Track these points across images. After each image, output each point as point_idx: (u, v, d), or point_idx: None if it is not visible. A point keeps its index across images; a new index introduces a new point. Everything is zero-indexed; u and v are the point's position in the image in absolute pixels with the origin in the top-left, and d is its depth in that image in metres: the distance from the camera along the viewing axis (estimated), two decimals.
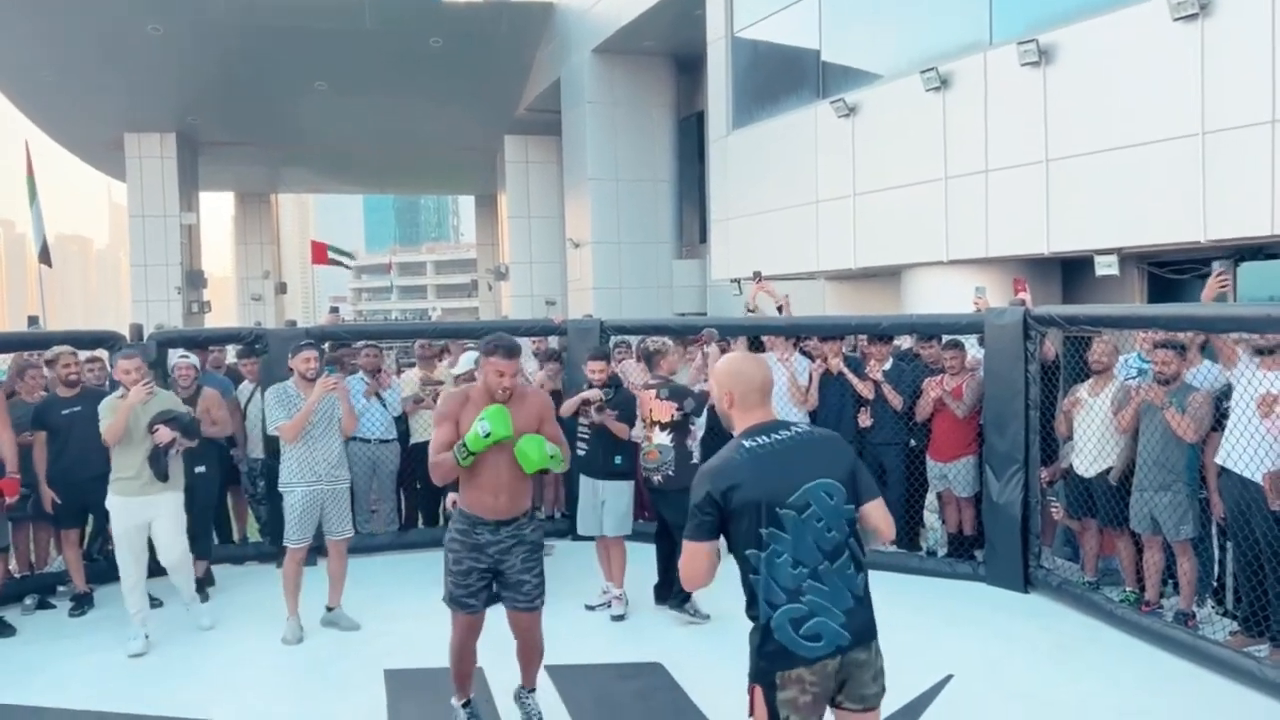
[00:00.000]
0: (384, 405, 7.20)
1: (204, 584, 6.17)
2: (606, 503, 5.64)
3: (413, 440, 7.31)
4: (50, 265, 12.24)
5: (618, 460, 5.67)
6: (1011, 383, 5.97)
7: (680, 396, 5.59)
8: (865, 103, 11.49)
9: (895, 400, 6.63)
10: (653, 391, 5.63)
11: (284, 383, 5.49)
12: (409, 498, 7.65)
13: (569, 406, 5.70)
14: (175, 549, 5.33)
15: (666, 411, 5.53)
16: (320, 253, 21.86)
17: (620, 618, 5.57)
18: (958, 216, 10.18)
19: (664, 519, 5.67)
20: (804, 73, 13.01)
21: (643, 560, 5.87)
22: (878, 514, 2.69)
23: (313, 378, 5.34)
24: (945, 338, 6.61)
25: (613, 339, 7.80)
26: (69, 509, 5.85)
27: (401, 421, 7.35)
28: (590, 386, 5.73)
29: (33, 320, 7.72)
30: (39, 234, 11.95)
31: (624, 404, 5.69)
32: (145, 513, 5.21)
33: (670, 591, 5.57)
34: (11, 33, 19.26)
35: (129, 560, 5.22)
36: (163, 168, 25.00)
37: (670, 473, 5.50)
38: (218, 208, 69.63)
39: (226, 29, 19.44)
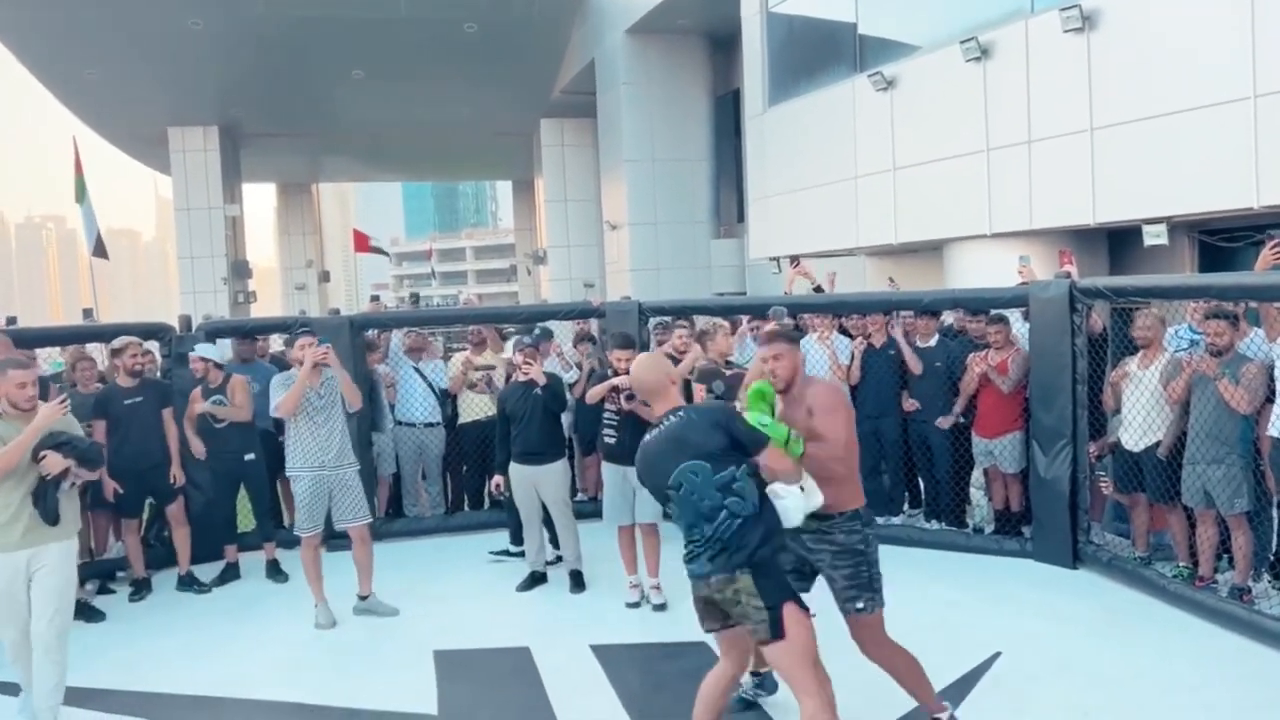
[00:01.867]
0: (431, 388, 7.29)
1: (277, 568, 6.34)
2: (639, 490, 5.48)
3: (460, 422, 7.39)
4: (106, 258, 12.50)
5: None
6: (1058, 357, 5.88)
7: (709, 378, 5.55)
8: (904, 75, 11.31)
9: (914, 365, 6.63)
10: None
11: (288, 371, 5.62)
12: (455, 481, 7.73)
13: (596, 393, 5.61)
14: (45, 618, 3.98)
15: (695, 394, 5.42)
16: (362, 241, 22.06)
17: (663, 606, 5.41)
18: (1000, 188, 10.01)
19: None
20: (840, 47, 12.84)
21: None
22: (770, 460, 3.28)
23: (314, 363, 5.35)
24: (992, 312, 6.53)
25: (652, 320, 7.80)
26: (130, 497, 6.00)
27: (447, 404, 7.43)
28: (615, 374, 5.59)
29: (87, 313, 7.91)
30: (91, 229, 12.18)
31: None
32: (27, 567, 4.00)
33: None
34: (56, 32, 19.63)
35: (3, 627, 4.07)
36: (206, 160, 25.38)
37: None
38: (261, 199, 70.61)
39: (264, 21, 19.64)
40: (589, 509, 7.31)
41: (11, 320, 6.98)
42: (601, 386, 5.65)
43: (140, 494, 6.09)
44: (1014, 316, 6.57)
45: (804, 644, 3.19)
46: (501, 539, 6.66)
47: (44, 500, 3.96)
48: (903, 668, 3.66)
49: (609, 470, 5.63)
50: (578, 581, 5.82)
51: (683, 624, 5.15)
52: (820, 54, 13.40)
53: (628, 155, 19.40)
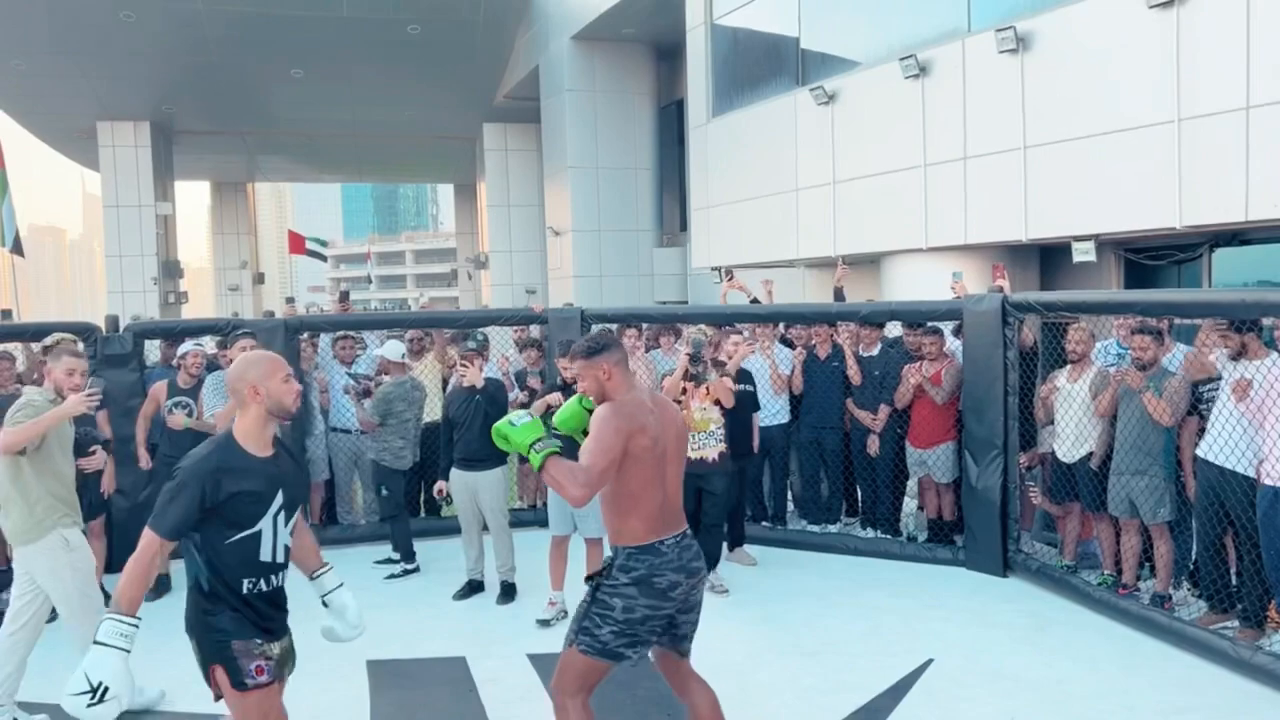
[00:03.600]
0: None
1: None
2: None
3: None
4: (23, 256, 12.07)
5: None
6: (990, 369, 6.02)
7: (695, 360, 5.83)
8: (844, 90, 11.50)
9: (855, 377, 6.80)
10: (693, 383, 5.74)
11: (221, 371, 5.49)
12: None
13: (537, 408, 5.58)
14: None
15: (721, 391, 5.66)
16: (298, 243, 21.69)
17: (550, 622, 5.33)
18: (937, 203, 10.23)
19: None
20: (783, 60, 13.00)
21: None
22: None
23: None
24: (927, 324, 6.65)
25: (594, 327, 7.79)
26: None
27: None
28: (563, 384, 5.58)
29: (6, 314, 7.62)
30: (10, 226, 11.77)
31: None
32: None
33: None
34: None
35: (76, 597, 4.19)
36: (137, 156, 24.67)
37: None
38: (194, 197, 68.83)
39: (201, 15, 19.18)
40: (528, 517, 7.27)
41: (7, 314, 6.73)
42: (539, 403, 5.61)
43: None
44: (948, 330, 6.71)
45: None
46: (442, 549, 6.57)
47: (84, 490, 4.22)
48: None
49: None
50: (507, 592, 5.78)
51: None
52: (763, 66, 13.55)
53: (571, 162, 19.38)
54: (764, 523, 7.12)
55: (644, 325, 7.77)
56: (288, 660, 3.02)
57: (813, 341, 7.08)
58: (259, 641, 2.84)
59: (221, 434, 2.96)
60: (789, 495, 7.33)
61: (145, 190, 24.74)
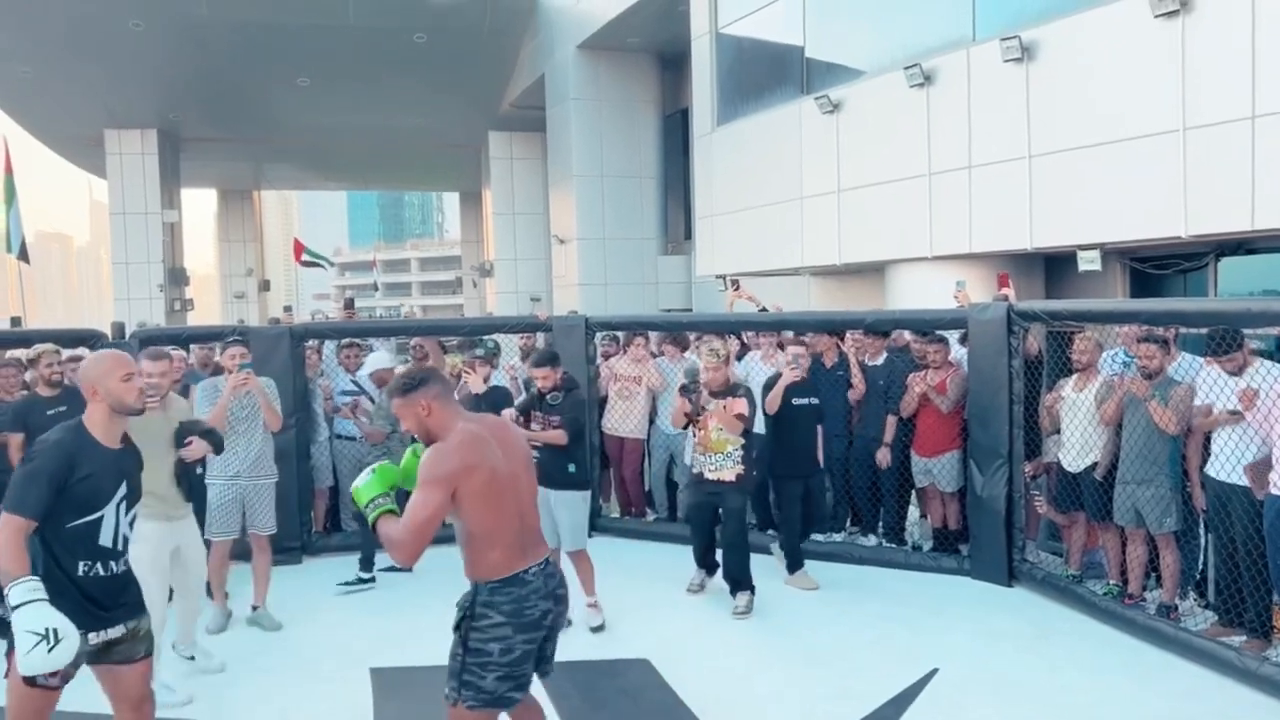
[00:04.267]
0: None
1: None
2: (558, 515, 5.28)
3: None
4: (28, 263, 12.11)
5: (571, 469, 5.33)
6: (995, 377, 6.00)
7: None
8: (849, 99, 11.51)
9: (859, 386, 6.78)
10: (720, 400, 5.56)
11: (216, 377, 5.55)
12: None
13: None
14: (199, 574, 4.81)
15: (740, 405, 5.51)
16: (301, 250, 21.71)
17: (600, 628, 5.31)
18: (941, 212, 10.22)
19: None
20: (788, 69, 13.02)
21: (619, 555, 5.85)
22: None
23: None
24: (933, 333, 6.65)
25: (599, 334, 7.80)
26: None
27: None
28: (540, 393, 5.42)
29: (15, 321, 7.64)
30: (17, 233, 11.82)
31: (574, 408, 5.37)
32: (174, 538, 4.54)
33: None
34: None
35: (160, 592, 4.48)
36: (144, 164, 24.77)
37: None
38: (200, 205, 69.14)
39: (208, 24, 19.28)
40: None
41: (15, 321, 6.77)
42: (509, 411, 5.46)
43: None
44: (953, 338, 6.70)
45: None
46: (446, 555, 6.52)
47: (185, 479, 4.54)
48: None
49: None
50: None
51: (622, 642, 5.15)
52: (768, 75, 13.57)
53: (577, 170, 19.41)
54: (769, 531, 7.11)
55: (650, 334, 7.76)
56: (127, 643, 3.12)
57: (819, 350, 7.06)
58: (78, 633, 2.84)
59: (73, 421, 3.15)
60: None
61: (152, 197, 24.84)
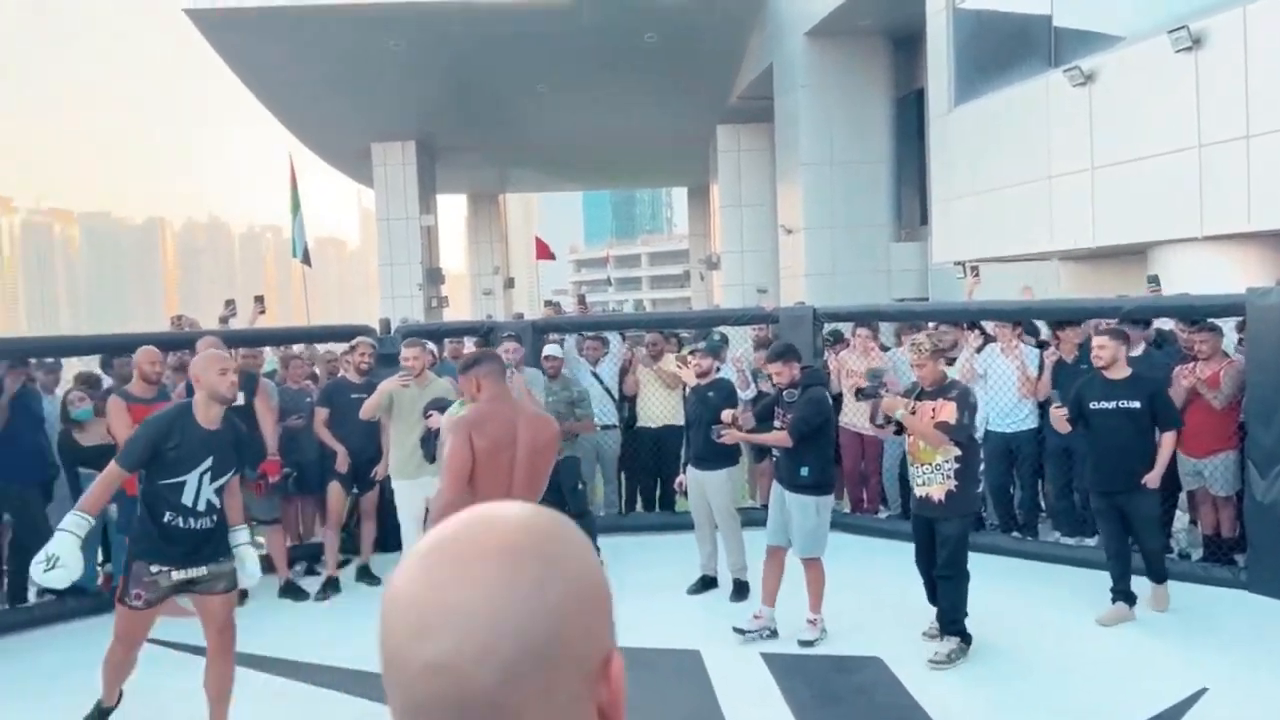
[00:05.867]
0: (607, 391, 7.48)
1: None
2: (792, 518, 5.07)
3: (638, 424, 7.58)
4: (310, 266, 13.56)
5: (803, 471, 5.01)
6: (1278, 370, 5.37)
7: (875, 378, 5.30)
8: (1104, 68, 10.63)
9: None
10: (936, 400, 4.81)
11: (534, 369, 5.93)
12: (630, 482, 7.90)
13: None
14: None
15: (947, 410, 4.69)
16: (543, 249, 22.89)
17: (810, 643, 5.00)
18: (1214, 188, 9.23)
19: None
20: (1033, 41, 12.21)
21: (850, 551, 5.73)
22: None
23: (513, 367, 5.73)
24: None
25: (825, 326, 7.70)
26: (343, 482, 6.39)
27: (624, 407, 7.62)
28: (776, 388, 5.24)
29: (175, 321, 8.11)
30: (300, 239, 13.24)
31: (806, 406, 5.01)
32: (422, 492, 5.49)
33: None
34: (275, 57, 21.47)
35: (413, 539, 5.39)
36: (405, 174, 27.00)
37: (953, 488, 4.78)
38: (452, 209, 74.26)
39: (457, 40, 20.73)
40: (760, 517, 7.29)
41: (176, 319, 7.62)
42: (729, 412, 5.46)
43: (351, 481, 6.48)
44: (1228, 326, 6.06)
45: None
46: (680, 542, 6.68)
47: (426, 445, 5.40)
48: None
49: (775, 486, 5.36)
50: (740, 590, 5.80)
51: (852, 639, 5.06)
52: (1011, 49, 12.79)
53: (805, 159, 19.18)
54: (1014, 534, 6.74)
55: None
56: (208, 580, 3.77)
57: (1061, 341, 6.60)
58: (155, 568, 3.65)
59: (184, 402, 3.90)
60: (1040, 505, 6.90)
61: (411, 204, 27.03)
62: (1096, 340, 5.35)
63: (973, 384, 6.82)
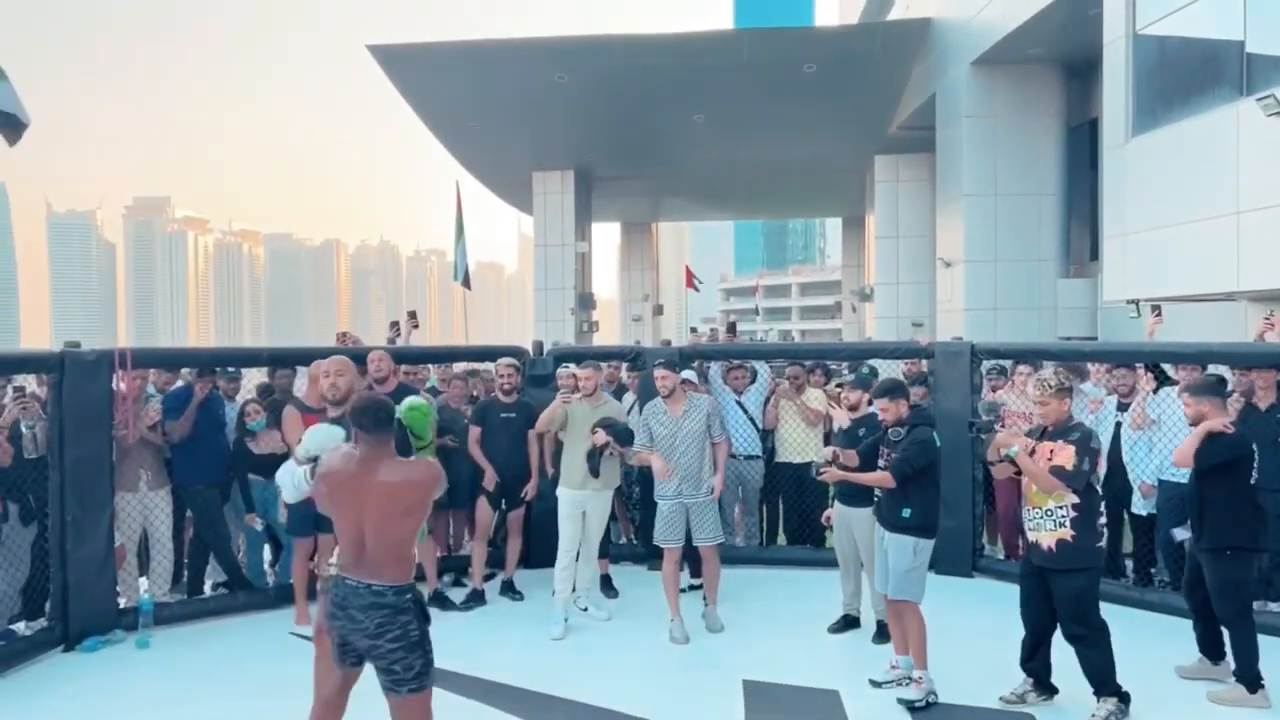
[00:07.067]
0: (751, 421, 7.42)
1: (608, 582, 6.76)
2: (890, 558, 4.86)
3: (777, 459, 7.48)
4: (470, 289, 14.11)
5: (905, 513, 4.80)
6: None
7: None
8: None
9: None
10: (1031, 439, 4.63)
11: (657, 399, 5.95)
12: (771, 513, 7.79)
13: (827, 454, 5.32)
14: (594, 539, 6.16)
15: (1065, 455, 4.38)
16: (689, 278, 23.06)
17: (917, 706, 4.62)
18: None
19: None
20: (1222, 68, 11.43)
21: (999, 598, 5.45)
22: None
23: (666, 394, 5.86)
24: None
25: (985, 364, 7.39)
26: (492, 499, 6.57)
27: (767, 439, 7.54)
28: (884, 428, 5.06)
29: (341, 336, 8.36)
30: (462, 263, 13.80)
31: (910, 446, 4.83)
32: (582, 504, 5.97)
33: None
34: (446, 90, 22.61)
35: (568, 544, 5.96)
36: (562, 202, 27.84)
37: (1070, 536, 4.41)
38: (606, 236, 76.29)
39: (619, 71, 21.25)
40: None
41: (341, 335, 7.95)
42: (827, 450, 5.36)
43: (499, 498, 6.67)
44: None
45: None
46: (780, 580, 6.61)
47: (591, 460, 5.86)
48: None
49: (875, 528, 5.16)
50: (883, 631, 5.53)
51: (964, 689, 4.78)
52: (1196, 77, 12.01)
53: (967, 190, 18.58)
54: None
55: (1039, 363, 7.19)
56: None
57: (1253, 387, 6.08)
58: None
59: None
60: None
61: (567, 231, 27.81)
62: None
63: (1145, 430, 6.42)
